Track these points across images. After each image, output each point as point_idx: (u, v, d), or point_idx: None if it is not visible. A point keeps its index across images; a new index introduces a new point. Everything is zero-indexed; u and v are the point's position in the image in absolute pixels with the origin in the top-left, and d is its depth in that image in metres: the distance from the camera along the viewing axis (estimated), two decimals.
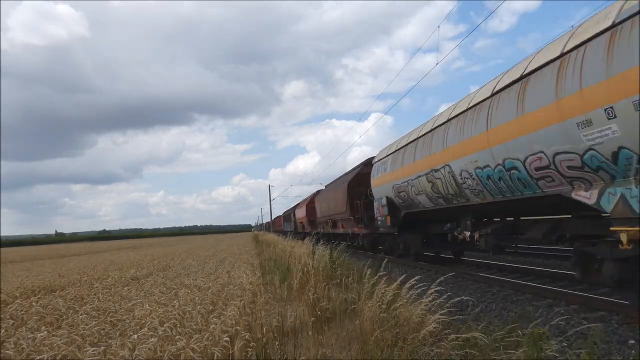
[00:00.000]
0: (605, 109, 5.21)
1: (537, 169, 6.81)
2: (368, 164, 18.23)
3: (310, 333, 4.95)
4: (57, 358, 4.06)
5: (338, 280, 7.47)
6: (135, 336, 4.33)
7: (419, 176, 11.44)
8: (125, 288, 9.01)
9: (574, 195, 6.31)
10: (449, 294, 6.03)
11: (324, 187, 32.05)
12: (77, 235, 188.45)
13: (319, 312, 5.80)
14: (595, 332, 3.74)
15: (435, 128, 10.68)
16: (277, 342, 4.46)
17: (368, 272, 6.45)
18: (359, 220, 18.41)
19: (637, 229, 5.20)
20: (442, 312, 4.56)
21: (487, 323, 4.81)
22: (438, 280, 5.61)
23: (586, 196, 6.06)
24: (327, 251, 9.97)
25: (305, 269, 8.31)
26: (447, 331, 4.17)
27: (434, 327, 4.19)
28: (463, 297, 6.01)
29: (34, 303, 7.37)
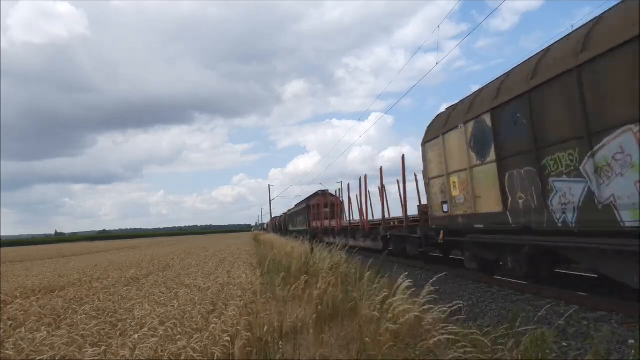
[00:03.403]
0: None
1: None
2: None
3: (311, 331, 4.94)
4: (57, 358, 4.06)
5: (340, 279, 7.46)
6: (136, 336, 4.33)
7: None
8: (125, 288, 9.00)
9: None
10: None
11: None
12: (77, 235, 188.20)
13: (320, 312, 5.79)
14: (602, 335, 3.72)
15: None
16: (277, 342, 4.46)
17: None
18: None
19: None
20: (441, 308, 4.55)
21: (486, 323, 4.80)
22: (437, 278, 5.60)
23: None
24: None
25: (307, 269, 8.30)
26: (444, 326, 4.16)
27: (439, 339, 3.93)
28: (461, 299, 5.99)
29: (33, 303, 7.36)
